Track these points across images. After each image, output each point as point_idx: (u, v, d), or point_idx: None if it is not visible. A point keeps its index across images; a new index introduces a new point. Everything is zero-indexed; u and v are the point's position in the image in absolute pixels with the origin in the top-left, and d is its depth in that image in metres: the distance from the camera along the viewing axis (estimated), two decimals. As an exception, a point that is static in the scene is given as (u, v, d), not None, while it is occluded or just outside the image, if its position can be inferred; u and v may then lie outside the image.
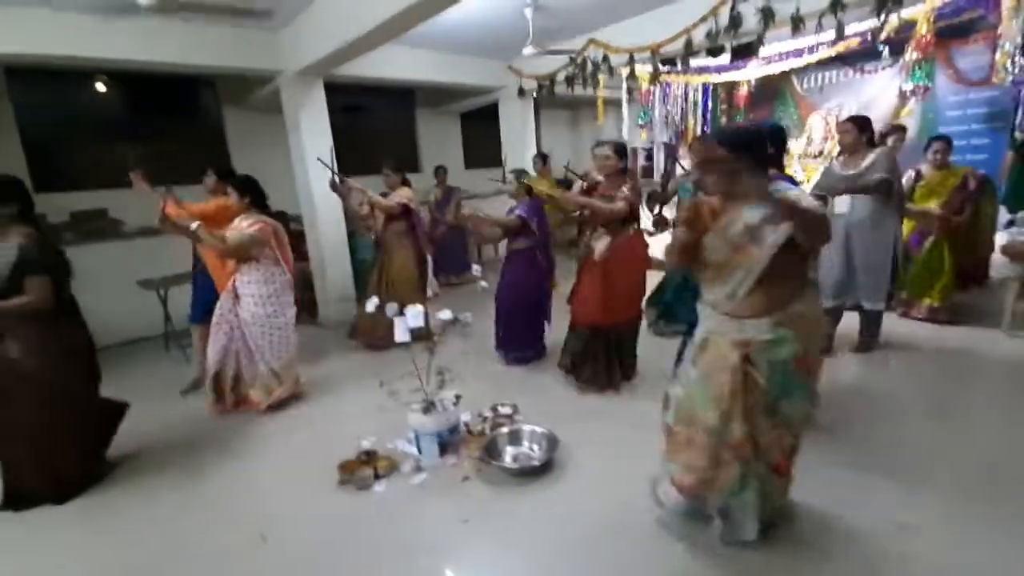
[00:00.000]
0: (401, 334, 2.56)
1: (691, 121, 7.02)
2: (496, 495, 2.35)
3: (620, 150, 3.18)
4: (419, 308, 2.60)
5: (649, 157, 7.80)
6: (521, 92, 6.25)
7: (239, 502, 2.45)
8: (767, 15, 3.94)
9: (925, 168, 4.01)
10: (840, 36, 3.79)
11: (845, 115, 6.29)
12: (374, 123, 7.33)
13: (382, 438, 2.85)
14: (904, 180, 3.85)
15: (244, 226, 3.09)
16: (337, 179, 4.19)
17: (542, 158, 6.20)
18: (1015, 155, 4.90)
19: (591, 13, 4.69)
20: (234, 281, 3.18)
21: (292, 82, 4.72)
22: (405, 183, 4.40)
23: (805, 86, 6.57)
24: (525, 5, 4.37)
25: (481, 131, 8.34)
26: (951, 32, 4.95)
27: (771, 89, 6.71)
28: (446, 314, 2.68)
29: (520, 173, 3.77)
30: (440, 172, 6.59)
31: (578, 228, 4.52)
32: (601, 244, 3.11)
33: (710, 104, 7.05)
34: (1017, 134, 4.69)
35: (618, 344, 3.25)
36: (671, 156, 7.60)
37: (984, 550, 1.84)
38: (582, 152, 9.61)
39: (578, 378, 3.26)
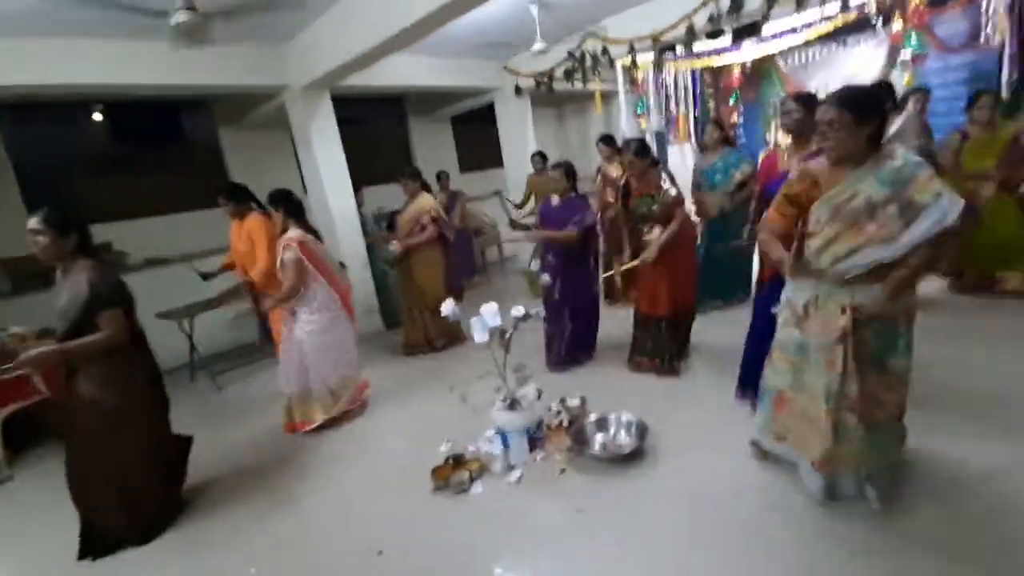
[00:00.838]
0: (479, 334, 2.54)
1: (682, 108, 7.17)
2: (599, 483, 2.34)
3: (640, 149, 3.21)
4: (494, 306, 2.59)
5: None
6: (518, 91, 6.27)
7: (338, 521, 2.38)
8: (770, -6, 4.05)
9: (971, 128, 3.67)
10: (846, 7, 3.94)
11: (832, 90, 6.55)
12: (366, 133, 7.23)
13: (457, 442, 2.82)
14: (949, 143, 3.71)
15: (278, 248, 3.05)
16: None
17: (542, 157, 6.18)
18: (1000, 115, 5.13)
19: (593, 6, 4.75)
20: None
21: (299, 96, 4.63)
22: (426, 188, 4.36)
23: (790, 64, 6.77)
24: (531, 2, 4.39)
25: (474, 134, 8.33)
26: (930, 2, 5.18)
27: (757, 70, 6.90)
28: (518, 310, 2.66)
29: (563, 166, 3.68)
30: (443, 178, 6.55)
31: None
32: (653, 235, 3.15)
33: (699, 89, 7.22)
34: (1004, 95, 4.90)
35: (676, 329, 3.29)
36: (661, 145, 7.74)
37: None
38: (570, 148, 9.70)
39: (643, 366, 3.32)
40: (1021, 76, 4.78)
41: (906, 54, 4.75)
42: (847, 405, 1.83)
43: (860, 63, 6.26)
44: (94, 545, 2.32)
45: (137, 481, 2.32)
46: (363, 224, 5.17)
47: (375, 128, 7.40)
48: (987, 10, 4.44)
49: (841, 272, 1.76)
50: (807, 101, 2.43)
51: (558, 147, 9.64)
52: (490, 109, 7.04)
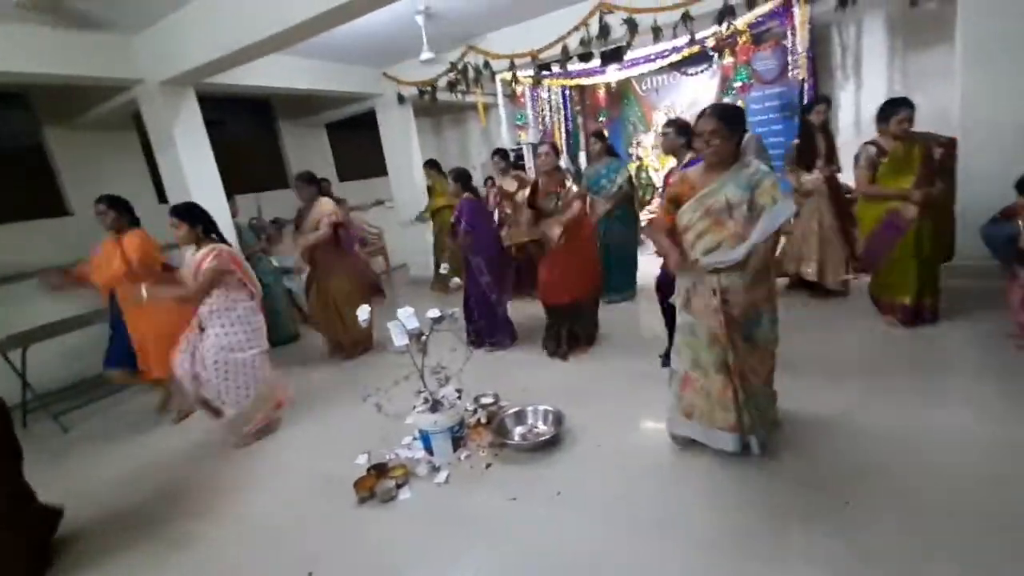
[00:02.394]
0: (399, 338, 2.52)
1: (555, 122, 7.69)
2: (525, 471, 2.45)
3: (552, 149, 3.57)
4: (410, 309, 2.59)
5: (519, 157, 8.28)
6: (401, 99, 6.24)
7: (254, 551, 2.18)
8: (631, 25, 4.59)
9: (885, 141, 3.29)
10: (693, 42, 4.60)
11: (677, 112, 7.51)
12: (230, 136, 6.61)
13: (375, 451, 2.75)
14: (863, 158, 3.33)
15: (198, 258, 2.80)
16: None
17: (435, 165, 6.22)
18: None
19: (476, 20, 4.93)
20: (198, 316, 2.87)
21: (157, 93, 4.12)
22: (324, 193, 4.20)
23: (644, 88, 7.63)
24: (416, 12, 4.44)
25: (352, 142, 8.06)
26: (753, 40, 6.21)
27: (619, 92, 7.66)
28: (434, 312, 2.69)
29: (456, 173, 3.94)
30: (323, 184, 6.24)
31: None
32: (555, 230, 3.40)
33: (568, 105, 7.80)
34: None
35: (578, 316, 3.59)
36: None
37: (902, 415, 2.50)
38: (448, 158, 9.82)
39: (552, 352, 3.65)
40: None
41: (736, 83, 5.67)
42: (734, 372, 2.16)
43: (699, 89, 7.28)
44: None
45: None
46: (239, 235, 4.75)
47: (240, 132, 6.80)
48: (792, 51, 5.47)
49: (710, 264, 2.11)
50: (679, 125, 2.99)
51: (438, 157, 9.68)
52: (368, 116, 6.88)
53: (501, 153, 4.92)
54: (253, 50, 3.69)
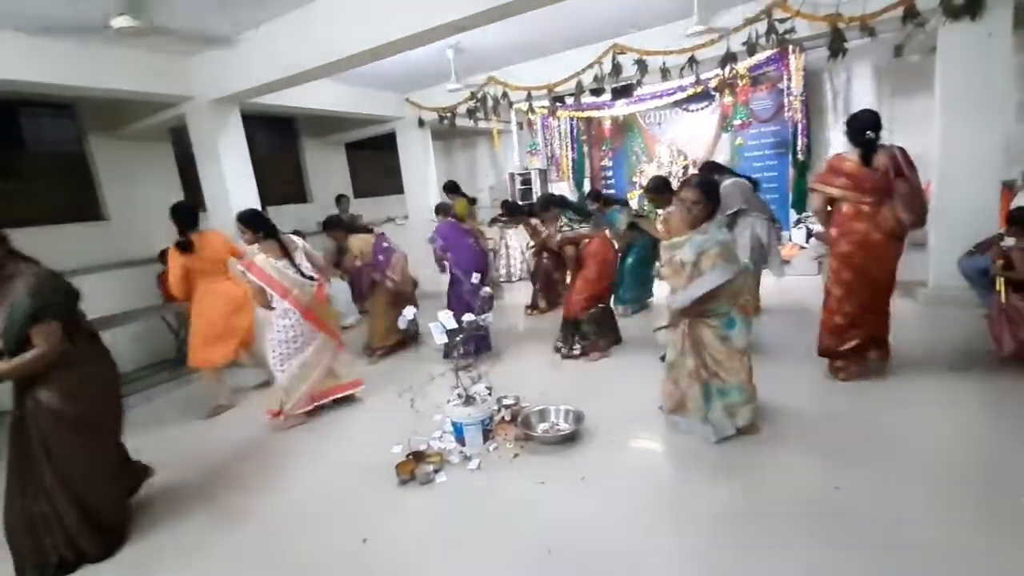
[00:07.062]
0: (439, 336, 2.80)
1: (563, 150, 8.12)
2: (551, 461, 2.70)
3: (544, 205, 4.17)
4: (449, 312, 2.87)
5: (526, 181, 8.68)
6: (421, 123, 6.62)
7: (308, 522, 2.40)
8: (642, 65, 5.02)
9: None
10: (698, 82, 5.03)
11: (679, 145, 7.98)
12: (256, 151, 6.94)
13: (408, 442, 2.98)
14: None
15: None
16: None
17: (455, 188, 6.55)
18: (796, 172, 6.77)
19: (500, 54, 5.36)
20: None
21: (206, 109, 4.45)
22: (352, 229, 4.52)
23: (648, 121, 8.11)
24: (448, 47, 4.83)
25: (369, 161, 8.43)
26: (752, 82, 6.70)
27: (625, 124, 8.14)
28: (468, 317, 2.97)
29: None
30: (343, 201, 6.58)
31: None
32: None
33: (575, 135, 8.26)
34: (799, 156, 6.49)
35: (578, 327, 3.94)
36: (545, 180, 8.64)
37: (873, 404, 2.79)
38: (457, 181, 10.21)
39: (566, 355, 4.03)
40: (809, 143, 6.40)
41: (736, 121, 6.14)
42: (687, 374, 2.64)
43: (698, 125, 7.77)
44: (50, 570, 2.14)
45: (99, 490, 2.24)
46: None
47: (264, 147, 7.14)
48: (787, 93, 5.95)
49: (667, 302, 2.68)
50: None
51: (449, 178, 10.08)
52: (385, 138, 7.25)
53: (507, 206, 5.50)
54: (304, 76, 4.07)
